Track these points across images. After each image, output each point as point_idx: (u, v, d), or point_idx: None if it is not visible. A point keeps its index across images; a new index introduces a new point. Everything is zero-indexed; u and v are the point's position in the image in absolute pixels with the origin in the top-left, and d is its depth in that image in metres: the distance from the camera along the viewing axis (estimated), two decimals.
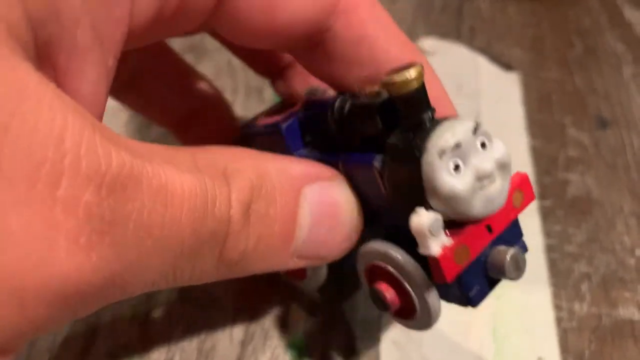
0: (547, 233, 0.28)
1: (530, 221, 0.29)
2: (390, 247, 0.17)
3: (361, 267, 0.18)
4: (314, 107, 0.19)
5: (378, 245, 0.17)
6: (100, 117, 0.15)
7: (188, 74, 0.25)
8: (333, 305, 0.25)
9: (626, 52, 0.38)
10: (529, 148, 0.32)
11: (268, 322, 0.25)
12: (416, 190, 0.15)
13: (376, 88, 0.16)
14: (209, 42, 0.37)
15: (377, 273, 0.18)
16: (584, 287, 0.27)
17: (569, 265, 0.27)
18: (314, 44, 0.19)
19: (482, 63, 0.36)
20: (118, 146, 0.13)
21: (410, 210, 0.15)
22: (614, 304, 0.26)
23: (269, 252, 0.16)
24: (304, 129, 0.20)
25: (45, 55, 0.13)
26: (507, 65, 0.36)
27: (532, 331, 0.25)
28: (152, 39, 0.18)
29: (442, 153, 0.15)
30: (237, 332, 0.24)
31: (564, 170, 0.31)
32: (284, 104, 0.23)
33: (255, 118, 0.23)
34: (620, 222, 0.29)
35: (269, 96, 0.34)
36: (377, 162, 0.16)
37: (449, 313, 0.25)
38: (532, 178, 0.30)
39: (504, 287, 0.26)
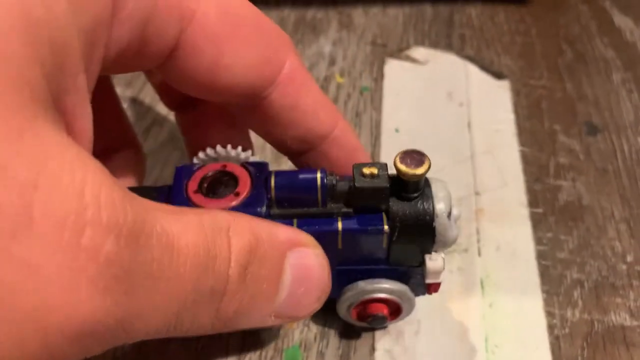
0: (539, 240, 0.28)
1: (521, 228, 0.29)
2: (389, 282, 0.22)
3: (348, 305, 0.23)
4: (292, 183, 0.21)
5: (378, 283, 0.22)
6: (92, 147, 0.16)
7: (113, 108, 0.25)
8: (327, 315, 0.25)
9: (616, 58, 0.38)
10: (520, 155, 0.32)
11: (264, 333, 0.25)
12: (426, 242, 0.21)
13: (374, 171, 0.20)
14: None
15: (367, 303, 0.23)
16: (576, 293, 0.27)
17: (561, 272, 0.27)
18: (254, 106, 0.21)
19: (473, 71, 0.36)
20: (132, 201, 0.14)
21: (412, 256, 0.21)
22: (605, 310, 0.26)
23: (256, 311, 0.18)
24: (270, 203, 0.21)
25: (56, 103, 0.14)
26: (497, 73, 0.36)
27: (524, 338, 0.25)
28: (113, 73, 0.20)
29: (448, 214, 0.20)
30: (233, 343, 0.25)
31: (554, 177, 0.31)
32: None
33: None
34: (612, 228, 0.29)
35: None
36: (386, 228, 0.20)
37: (443, 322, 0.25)
38: (522, 185, 0.31)
39: (496, 295, 0.26)
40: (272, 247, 0.18)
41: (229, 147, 0.22)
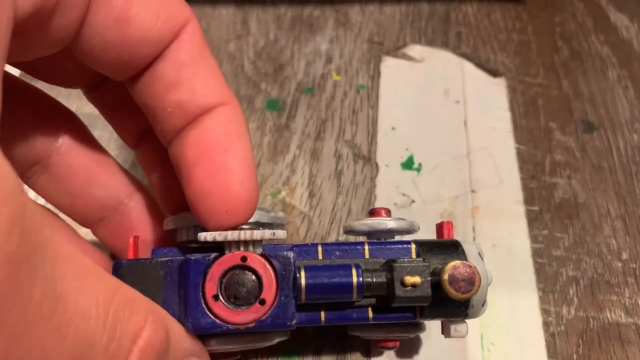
0: (534, 238, 0.29)
1: (517, 226, 0.29)
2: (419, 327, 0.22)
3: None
4: (325, 285, 0.19)
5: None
6: None
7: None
8: None
9: (611, 55, 0.38)
10: (516, 153, 0.32)
11: None
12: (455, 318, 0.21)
13: (417, 281, 0.19)
14: None
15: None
16: (572, 291, 0.27)
17: (556, 269, 0.28)
18: (145, 69, 0.20)
19: (469, 69, 0.36)
20: (29, 225, 0.12)
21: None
22: (601, 307, 0.26)
23: None
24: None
25: None
26: (493, 71, 0.36)
27: (519, 336, 0.25)
28: (33, 46, 0.18)
29: (484, 302, 0.21)
30: None
31: (550, 174, 0.31)
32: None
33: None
34: (607, 225, 0.29)
35: (259, 105, 0.34)
36: (419, 319, 0.20)
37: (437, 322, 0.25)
38: (518, 183, 0.31)
39: (491, 293, 0.26)
40: (176, 353, 0.17)
41: (257, 231, 0.19)
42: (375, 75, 0.36)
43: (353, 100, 0.34)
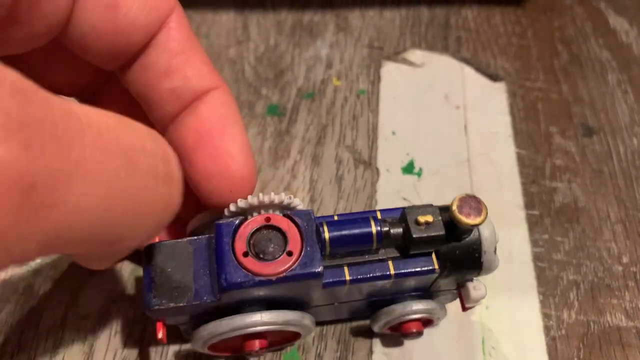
0: (535, 242, 0.29)
1: (517, 230, 0.29)
2: (424, 303, 0.23)
3: (383, 324, 0.23)
4: (348, 236, 0.20)
5: (415, 306, 0.23)
6: None
7: None
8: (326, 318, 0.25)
9: (611, 60, 0.38)
10: (516, 157, 0.32)
11: None
12: (471, 274, 0.22)
13: (429, 219, 0.20)
14: None
15: (403, 322, 0.23)
16: (572, 294, 0.27)
17: (557, 273, 0.28)
18: (136, 57, 0.20)
19: (469, 73, 0.37)
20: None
21: (452, 285, 0.23)
22: (601, 311, 0.26)
23: None
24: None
25: None
26: (493, 76, 0.37)
27: (520, 340, 0.25)
28: (23, 35, 0.18)
29: (494, 249, 0.21)
30: None
31: (550, 178, 0.31)
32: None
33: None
34: (607, 229, 0.29)
35: (260, 110, 0.34)
36: (437, 268, 0.21)
37: (440, 324, 0.25)
38: (519, 187, 0.31)
39: (492, 297, 0.26)
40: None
41: (279, 195, 0.20)
42: (376, 80, 0.36)
43: (353, 105, 0.35)
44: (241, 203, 0.20)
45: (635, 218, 0.30)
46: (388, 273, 0.21)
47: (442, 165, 0.31)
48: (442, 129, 0.33)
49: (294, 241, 0.20)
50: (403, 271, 0.21)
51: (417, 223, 0.20)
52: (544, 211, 0.30)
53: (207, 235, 0.21)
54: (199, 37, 0.38)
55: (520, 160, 0.32)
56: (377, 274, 0.21)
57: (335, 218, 0.21)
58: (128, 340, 0.25)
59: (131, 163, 0.14)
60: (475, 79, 0.36)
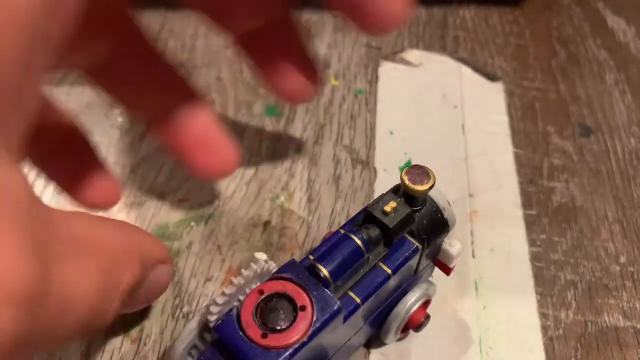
0: (533, 242, 0.29)
1: (515, 230, 0.29)
2: (419, 288, 0.23)
3: (396, 329, 0.24)
4: (343, 263, 0.20)
5: (415, 296, 0.23)
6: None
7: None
8: None
9: (609, 59, 0.38)
10: (514, 157, 0.32)
11: None
12: (443, 236, 0.23)
13: (394, 205, 0.20)
14: (199, 58, 0.37)
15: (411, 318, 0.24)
16: (570, 295, 0.27)
17: (555, 273, 0.28)
18: None
19: (467, 73, 0.37)
20: (38, 248, 0.13)
21: (433, 255, 0.23)
22: (599, 311, 0.26)
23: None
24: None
25: None
26: (491, 76, 0.37)
27: (518, 340, 0.25)
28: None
29: (448, 202, 0.23)
30: None
31: (548, 178, 0.31)
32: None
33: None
34: (605, 229, 0.29)
35: (258, 110, 0.34)
36: (418, 245, 0.22)
37: (437, 324, 0.25)
38: (516, 187, 0.31)
39: (490, 297, 0.26)
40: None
41: (250, 268, 0.19)
42: (374, 80, 0.36)
43: (351, 105, 0.35)
44: (228, 290, 0.19)
45: (633, 218, 0.30)
46: (387, 274, 0.21)
47: (439, 165, 0.31)
48: (440, 129, 0.33)
49: (299, 296, 0.19)
50: (397, 264, 0.21)
51: (386, 214, 0.20)
52: (541, 211, 0.30)
53: (204, 352, 0.19)
54: (198, 38, 0.38)
55: (518, 160, 0.32)
56: (380, 280, 0.21)
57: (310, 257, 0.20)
58: (125, 340, 0.25)
59: None
60: (473, 78, 0.36)
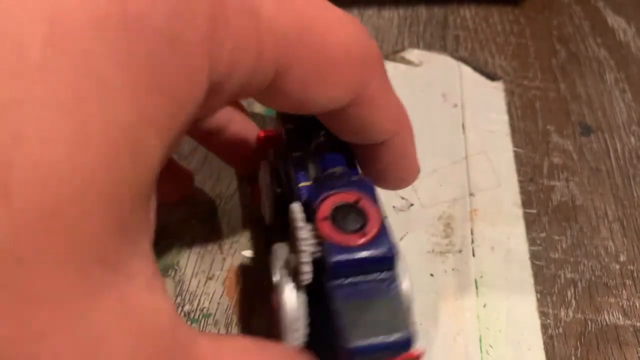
0: (532, 240, 0.29)
1: (515, 229, 0.29)
2: None
3: None
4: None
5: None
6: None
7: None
8: None
9: (609, 58, 0.38)
10: (514, 156, 0.32)
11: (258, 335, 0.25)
12: None
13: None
14: None
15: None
16: (570, 293, 0.27)
17: (554, 272, 0.28)
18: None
19: (467, 72, 0.37)
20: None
21: None
22: (599, 309, 0.27)
23: None
24: None
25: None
26: (491, 74, 0.37)
27: (518, 338, 0.25)
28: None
29: None
30: None
31: (548, 177, 0.31)
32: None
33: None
34: (605, 227, 0.29)
35: (259, 109, 0.34)
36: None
37: (437, 322, 0.25)
38: (516, 186, 0.31)
39: (490, 296, 0.26)
40: None
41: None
42: None
43: None
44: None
45: (633, 216, 0.30)
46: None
47: (439, 164, 0.31)
48: (440, 128, 0.33)
49: (374, 223, 0.19)
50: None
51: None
52: (541, 209, 0.30)
53: None
54: None
55: (518, 159, 0.32)
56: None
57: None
58: None
59: None
60: (473, 77, 0.36)
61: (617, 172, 0.32)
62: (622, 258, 0.28)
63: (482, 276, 0.27)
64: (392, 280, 0.18)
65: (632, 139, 0.34)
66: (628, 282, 0.27)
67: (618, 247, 0.29)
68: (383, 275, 0.19)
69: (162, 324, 0.13)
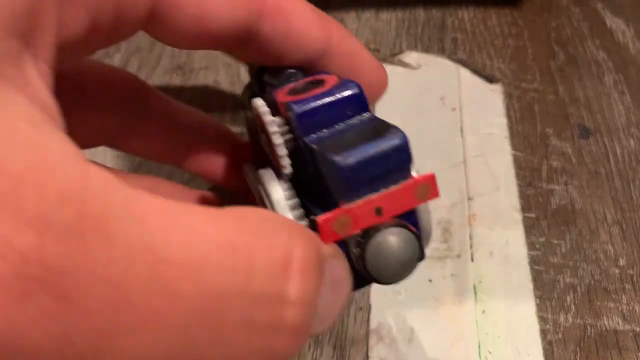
0: (531, 245, 0.28)
1: (514, 233, 0.29)
2: None
3: None
4: None
5: None
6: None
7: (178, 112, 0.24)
8: None
9: (608, 60, 0.38)
10: (512, 159, 0.32)
11: None
12: None
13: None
14: (196, 61, 0.37)
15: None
16: (569, 298, 0.27)
17: (554, 276, 0.28)
18: (244, 42, 0.19)
19: (465, 75, 0.36)
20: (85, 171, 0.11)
21: None
22: (598, 314, 0.26)
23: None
24: None
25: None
26: (489, 77, 0.36)
27: (517, 344, 0.25)
28: (91, 50, 0.17)
29: None
30: None
31: (547, 180, 0.31)
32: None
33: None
34: (604, 231, 0.29)
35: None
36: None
37: (436, 328, 0.25)
38: (515, 189, 0.31)
39: (489, 301, 0.26)
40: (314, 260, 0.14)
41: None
42: None
43: None
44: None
45: (632, 220, 0.30)
46: None
47: (438, 167, 0.31)
48: (438, 131, 0.33)
49: (330, 80, 0.18)
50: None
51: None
52: (540, 213, 0.30)
53: None
54: None
55: (517, 162, 0.32)
56: None
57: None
58: None
59: (210, 314, 0.11)
60: (472, 80, 0.36)
61: (616, 175, 0.32)
62: (621, 262, 0.28)
63: (480, 281, 0.27)
64: (372, 117, 0.18)
65: (631, 142, 0.33)
66: (627, 286, 0.27)
67: (617, 251, 0.28)
68: (359, 117, 0.17)
69: (53, 162, 0.10)
